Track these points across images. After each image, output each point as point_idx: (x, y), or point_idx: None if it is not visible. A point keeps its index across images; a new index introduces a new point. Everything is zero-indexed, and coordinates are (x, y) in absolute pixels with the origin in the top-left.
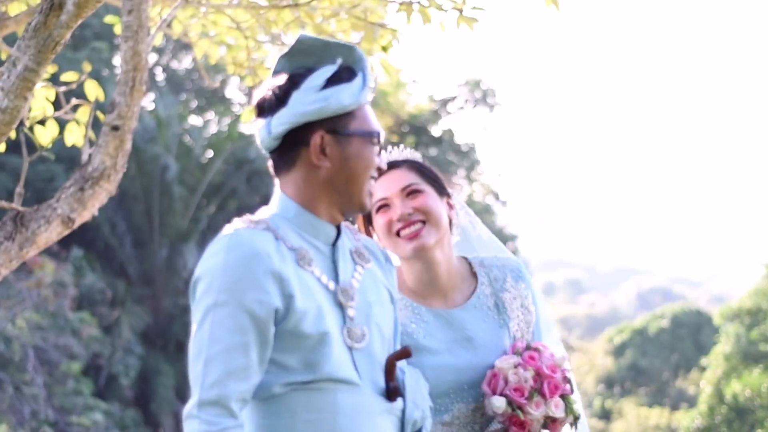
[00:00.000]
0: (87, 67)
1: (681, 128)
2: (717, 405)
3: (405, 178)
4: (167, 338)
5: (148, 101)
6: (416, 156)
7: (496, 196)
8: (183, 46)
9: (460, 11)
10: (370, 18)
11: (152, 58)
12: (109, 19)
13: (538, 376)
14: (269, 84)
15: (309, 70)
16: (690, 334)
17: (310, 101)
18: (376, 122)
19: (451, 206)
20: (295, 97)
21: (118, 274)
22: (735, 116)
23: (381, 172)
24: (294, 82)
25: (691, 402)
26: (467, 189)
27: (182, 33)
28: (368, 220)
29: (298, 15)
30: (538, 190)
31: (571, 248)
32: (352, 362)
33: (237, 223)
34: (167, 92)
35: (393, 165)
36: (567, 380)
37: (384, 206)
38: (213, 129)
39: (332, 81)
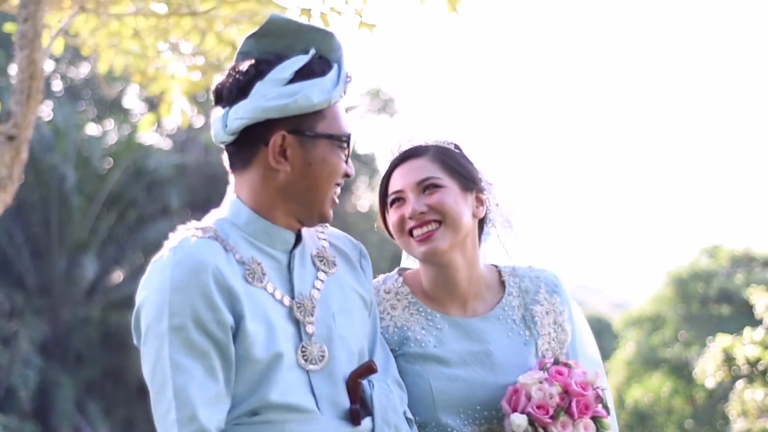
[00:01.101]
0: None
1: (578, 136)
2: (618, 411)
3: (424, 169)
4: (66, 350)
5: (47, 110)
6: (447, 140)
7: None
8: (81, 54)
9: (360, 17)
10: None
11: (50, 66)
12: (8, 27)
13: (566, 393)
14: (232, 69)
15: (278, 58)
16: None
17: (273, 96)
18: (347, 123)
19: (480, 202)
20: (258, 88)
21: (16, 286)
22: (636, 123)
23: (396, 163)
24: (259, 70)
25: None
26: (369, 198)
27: (83, 43)
28: (385, 211)
29: (198, 23)
30: None
31: None
32: (308, 386)
33: (182, 232)
34: (65, 101)
35: (415, 153)
36: (600, 400)
37: (398, 200)
38: (112, 138)
39: (302, 74)
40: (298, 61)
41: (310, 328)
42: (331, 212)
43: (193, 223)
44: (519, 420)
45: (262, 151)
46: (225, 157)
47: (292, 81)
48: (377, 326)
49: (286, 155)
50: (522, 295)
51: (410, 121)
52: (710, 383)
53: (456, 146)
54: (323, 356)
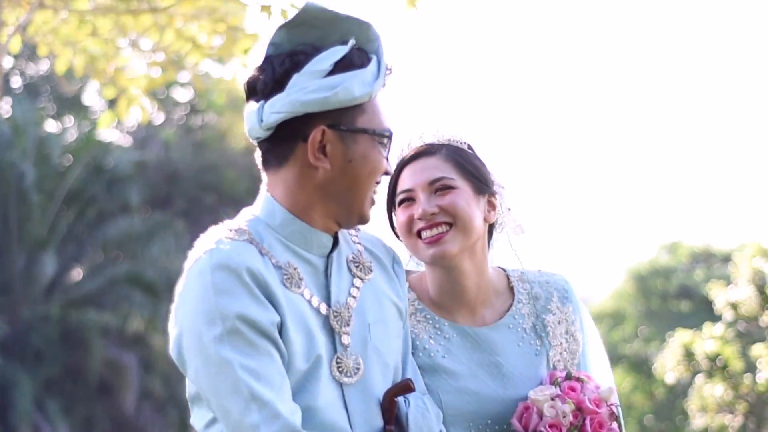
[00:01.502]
0: None
1: (540, 132)
2: None
3: (436, 169)
4: (25, 348)
5: (5, 107)
6: (460, 138)
7: None
8: (38, 54)
9: None
10: (230, 22)
11: (8, 62)
12: None
13: (580, 411)
14: (266, 60)
15: (315, 49)
16: None
17: (312, 88)
18: (389, 118)
19: (492, 206)
20: (296, 81)
21: None
22: (595, 119)
23: (404, 163)
24: (296, 62)
25: None
26: None
27: (40, 42)
28: (392, 210)
29: (158, 19)
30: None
31: None
32: (341, 401)
33: (214, 233)
34: (24, 98)
35: (427, 151)
36: (614, 417)
37: (408, 200)
38: (71, 135)
39: (342, 66)
40: (337, 52)
41: (345, 339)
42: (370, 213)
43: (226, 224)
44: None
45: (300, 147)
46: (257, 154)
47: (331, 73)
48: (409, 338)
49: (325, 152)
50: (532, 302)
51: (418, 119)
52: (670, 379)
53: (469, 146)
54: (358, 369)
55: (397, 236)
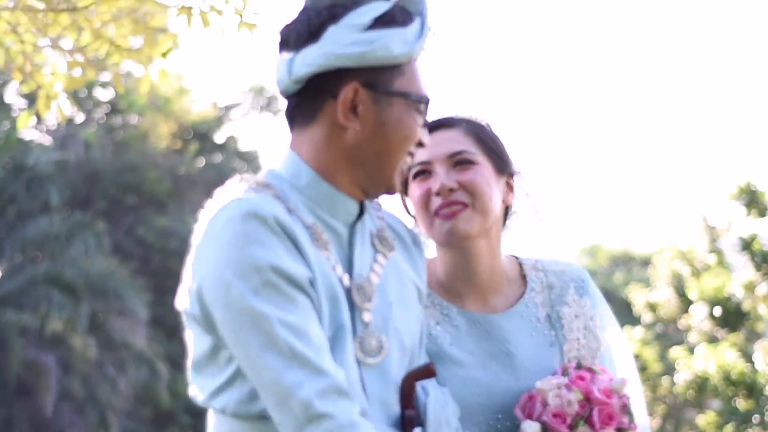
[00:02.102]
0: None
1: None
2: None
3: (457, 142)
4: None
5: None
6: (480, 115)
7: None
8: None
9: (240, 16)
10: (150, 23)
11: None
12: None
13: (587, 401)
14: (301, 12)
15: (354, 3)
16: None
17: (349, 42)
18: (427, 85)
19: (510, 188)
20: (332, 32)
21: None
22: (519, 121)
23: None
24: (333, 13)
25: None
26: None
27: None
28: (406, 187)
29: (76, 19)
30: None
31: None
32: (359, 382)
33: (237, 185)
34: None
35: (447, 123)
36: (626, 410)
37: (424, 172)
38: None
39: (382, 21)
40: (378, 7)
41: (366, 316)
42: (397, 183)
43: (248, 176)
44: (531, 428)
45: (330, 104)
46: (284, 110)
47: (371, 27)
48: (424, 323)
49: (356, 112)
50: (546, 291)
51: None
52: None
53: (488, 125)
54: (382, 348)
55: (409, 212)
